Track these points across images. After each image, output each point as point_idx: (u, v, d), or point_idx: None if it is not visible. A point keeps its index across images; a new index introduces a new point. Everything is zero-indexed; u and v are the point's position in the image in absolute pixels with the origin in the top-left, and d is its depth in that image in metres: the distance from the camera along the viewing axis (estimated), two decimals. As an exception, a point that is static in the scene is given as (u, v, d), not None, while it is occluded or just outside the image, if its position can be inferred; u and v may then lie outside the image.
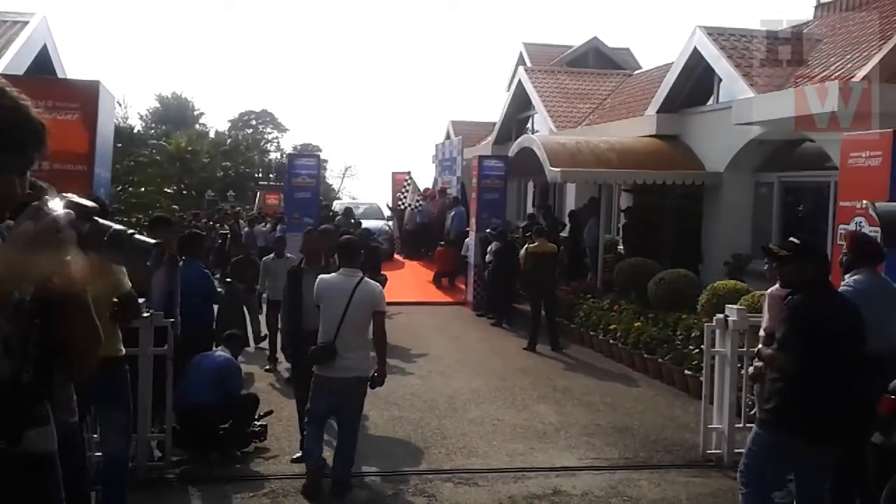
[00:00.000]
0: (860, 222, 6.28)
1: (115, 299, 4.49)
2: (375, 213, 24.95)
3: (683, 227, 14.93)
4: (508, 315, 13.84)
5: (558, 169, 13.64)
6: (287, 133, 67.86)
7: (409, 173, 24.01)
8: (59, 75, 11.75)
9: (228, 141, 49.76)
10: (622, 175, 14.02)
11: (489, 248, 14.47)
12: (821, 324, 4.30)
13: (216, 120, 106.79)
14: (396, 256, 21.01)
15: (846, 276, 5.51)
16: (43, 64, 11.47)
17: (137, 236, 1.67)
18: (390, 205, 26.06)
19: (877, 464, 4.85)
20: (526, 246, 12.77)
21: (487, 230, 15.04)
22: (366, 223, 17.81)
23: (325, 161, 60.26)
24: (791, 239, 4.67)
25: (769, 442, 4.44)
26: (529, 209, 21.20)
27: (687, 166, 13.80)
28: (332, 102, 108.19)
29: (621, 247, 15.64)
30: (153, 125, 56.16)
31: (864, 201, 6.08)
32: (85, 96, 6.42)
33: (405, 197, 22.95)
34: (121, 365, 4.72)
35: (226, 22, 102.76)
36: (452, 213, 18.38)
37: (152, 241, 1.68)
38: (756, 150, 12.87)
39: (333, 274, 5.86)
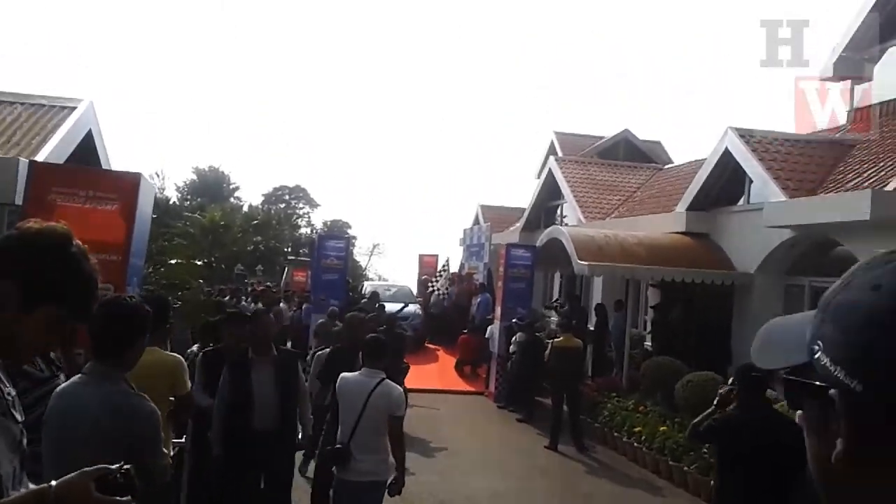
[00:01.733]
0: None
1: (172, 398, 4.47)
2: (406, 296, 23.19)
3: (712, 326, 14.73)
4: (531, 409, 13.60)
5: (586, 263, 13.59)
6: (318, 208, 68.91)
7: (445, 262, 23.87)
8: (102, 158, 12.08)
9: (260, 215, 50.57)
10: (650, 271, 13.94)
11: (514, 339, 14.34)
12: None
13: (251, 194, 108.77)
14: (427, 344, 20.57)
15: None
16: (87, 147, 11.82)
17: None
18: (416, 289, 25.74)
19: None
20: (552, 340, 12.64)
21: (514, 320, 14.94)
22: (397, 306, 17.42)
23: (354, 238, 60.97)
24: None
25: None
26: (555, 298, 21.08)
27: (716, 265, 13.70)
28: (364, 180, 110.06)
29: (648, 343, 15.43)
30: (188, 197, 57.35)
31: None
32: (126, 187, 6.55)
33: (437, 281, 22.92)
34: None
35: (266, 97, 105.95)
36: (479, 299, 18.33)
37: None
38: (787, 253, 12.76)
39: (355, 373, 5.78)
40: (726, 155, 13.92)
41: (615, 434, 11.54)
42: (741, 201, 14.09)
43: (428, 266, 24.88)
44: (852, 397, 0.82)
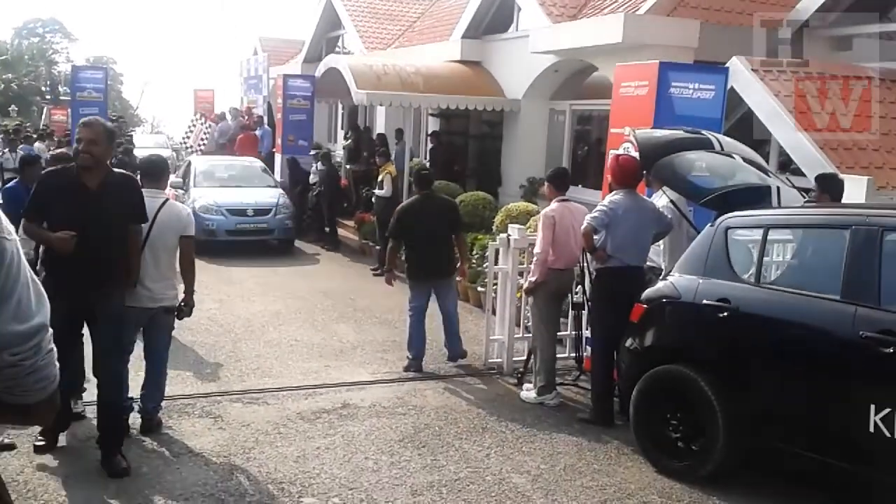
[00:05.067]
0: (627, 148, 6.79)
1: None
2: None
3: (486, 151, 15.42)
4: (337, 239, 13.89)
5: (364, 91, 13.57)
6: (77, 42, 62.25)
7: (196, 119, 22.07)
8: None
9: (10, 51, 44.84)
10: (427, 99, 14.19)
11: (313, 170, 14.37)
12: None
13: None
14: None
15: (606, 197, 5.99)
16: None
17: None
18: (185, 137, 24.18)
19: (628, 367, 5.43)
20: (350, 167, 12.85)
21: (312, 152, 14.96)
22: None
23: (121, 75, 56.00)
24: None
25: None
26: (339, 131, 20.98)
27: (489, 92, 14.19)
28: (129, 11, 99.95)
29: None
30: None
31: (627, 128, 6.57)
32: None
33: (188, 138, 21.50)
34: None
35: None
36: (260, 132, 17.82)
37: None
38: (551, 79, 13.45)
39: None
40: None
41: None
42: (511, 29, 14.48)
43: (204, 101, 23.52)
44: None
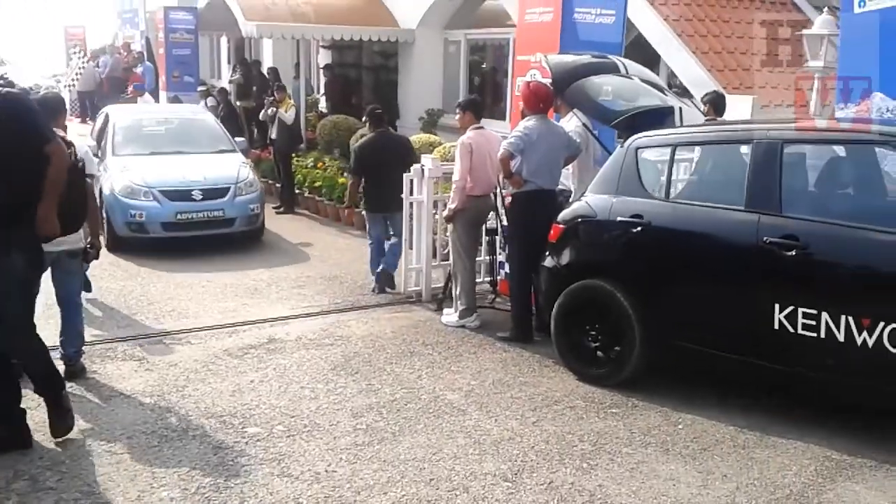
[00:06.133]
0: (534, 74, 6.94)
1: None
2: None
3: (381, 84, 15.27)
4: None
5: (254, 23, 13.11)
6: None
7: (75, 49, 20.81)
8: None
9: None
10: (319, 30, 13.85)
11: (206, 106, 13.88)
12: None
13: None
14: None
15: (520, 123, 6.15)
16: None
17: None
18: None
19: (547, 285, 5.69)
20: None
21: (200, 88, 14.42)
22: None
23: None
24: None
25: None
26: (224, 67, 20.21)
27: (382, 23, 13.98)
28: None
29: (323, 105, 15.67)
30: None
31: (538, 54, 6.71)
32: None
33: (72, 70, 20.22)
34: None
35: None
36: (140, 69, 16.94)
37: None
38: (445, 7, 13.38)
39: None
40: None
41: (297, 191, 11.91)
42: (403, -44, 14.23)
43: (75, 39, 22.01)
44: None
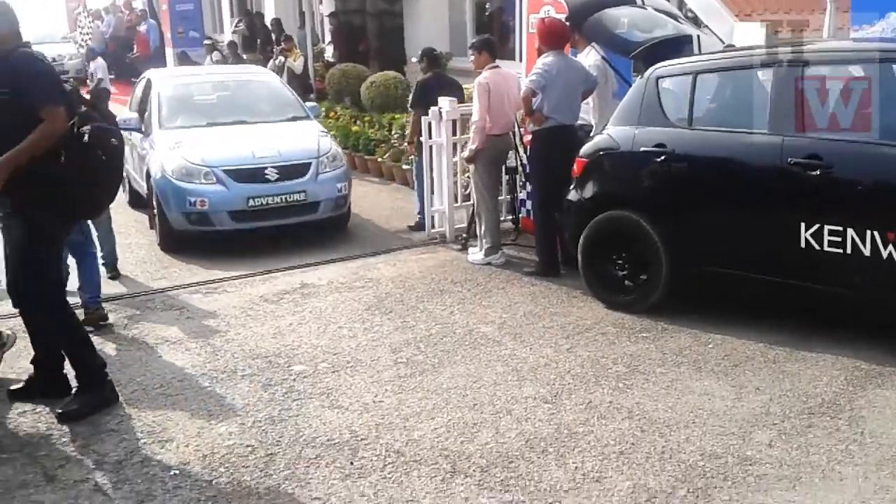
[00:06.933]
0: (549, 10, 6.93)
1: None
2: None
3: (385, 29, 15.13)
4: None
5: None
6: None
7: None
8: None
9: None
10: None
11: (207, 63, 13.85)
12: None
13: None
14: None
15: (538, 60, 6.18)
16: None
17: None
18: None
19: (573, 218, 5.79)
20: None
21: (206, 41, 14.38)
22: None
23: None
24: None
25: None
26: (226, 20, 20.03)
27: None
28: None
29: (329, 55, 15.59)
30: None
31: (552, -12, 6.70)
32: None
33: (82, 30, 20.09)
34: None
35: None
36: (145, 27, 16.86)
37: None
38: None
39: None
40: None
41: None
42: None
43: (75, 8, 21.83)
44: None
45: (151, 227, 7.84)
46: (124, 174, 8.30)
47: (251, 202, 7.16)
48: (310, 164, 7.44)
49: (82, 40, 18.31)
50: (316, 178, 7.43)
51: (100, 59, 14.68)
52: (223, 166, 7.22)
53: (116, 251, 6.65)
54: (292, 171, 7.36)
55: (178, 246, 7.34)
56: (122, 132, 4.63)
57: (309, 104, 9.02)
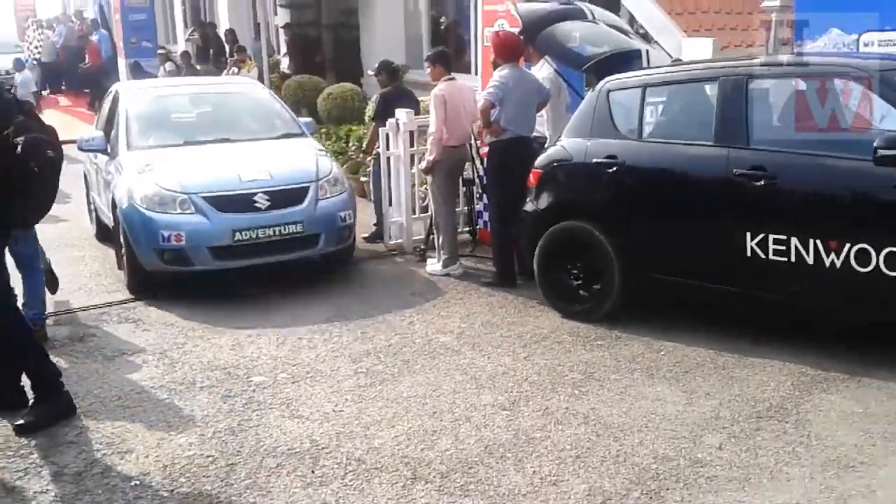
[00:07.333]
0: (502, 24, 7.06)
1: None
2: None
3: (342, 41, 15.20)
4: None
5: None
6: None
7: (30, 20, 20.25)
8: None
9: None
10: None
11: (160, 74, 13.73)
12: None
13: None
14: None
15: (494, 73, 6.29)
16: None
17: None
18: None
19: (529, 229, 5.90)
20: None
21: (160, 51, 14.25)
22: None
23: None
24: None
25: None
26: (180, 30, 19.89)
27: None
28: None
29: (284, 66, 15.58)
30: None
31: (508, 2, 6.83)
32: None
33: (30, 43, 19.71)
34: None
35: None
36: (96, 37, 16.64)
37: None
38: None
39: None
40: None
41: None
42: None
43: (25, 10, 21.42)
44: None
45: (119, 268, 6.71)
46: (90, 203, 8.17)
47: (237, 236, 6.01)
48: (307, 188, 6.33)
49: (30, 53, 18.00)
50: (315, 206, 6.30)
51: (26, 72, 14.44)
52: (203, 192, 6.05)
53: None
54: (286, 197, 6.23)
55: (150, 292, 6.22)
56: (61, 145, 4.45)
57: (303, 119, 7.89)
